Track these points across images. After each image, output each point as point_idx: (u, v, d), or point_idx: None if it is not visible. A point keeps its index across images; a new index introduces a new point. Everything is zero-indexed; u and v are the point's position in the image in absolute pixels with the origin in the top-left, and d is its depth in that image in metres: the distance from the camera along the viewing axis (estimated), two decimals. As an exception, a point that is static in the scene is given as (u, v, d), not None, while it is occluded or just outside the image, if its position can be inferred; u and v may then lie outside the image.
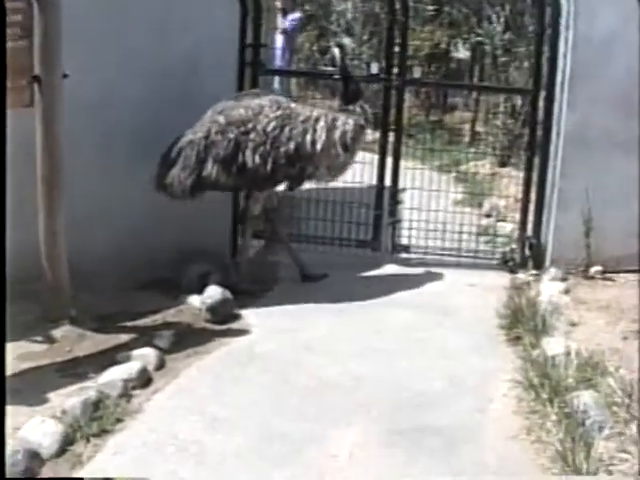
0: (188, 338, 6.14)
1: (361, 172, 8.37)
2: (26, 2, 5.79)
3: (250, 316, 6.70)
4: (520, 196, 8.33)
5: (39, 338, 5.95)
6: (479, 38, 14.60)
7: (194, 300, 6.76)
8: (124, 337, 6.06)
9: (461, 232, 8.51)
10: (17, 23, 5.77)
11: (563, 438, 4.56)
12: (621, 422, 4.73)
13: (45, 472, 4.35)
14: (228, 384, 5.45)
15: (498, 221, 9.50)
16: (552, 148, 7.89)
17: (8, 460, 4.19)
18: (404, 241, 8.46)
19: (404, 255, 8.38)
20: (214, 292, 6.64)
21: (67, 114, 6.05)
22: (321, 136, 7.09)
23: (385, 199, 8.35)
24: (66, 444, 4.54)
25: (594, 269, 7.67)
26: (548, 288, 7.29)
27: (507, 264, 8.12)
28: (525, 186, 8.21)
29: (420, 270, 8.05)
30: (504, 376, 5.61)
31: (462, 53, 17.71)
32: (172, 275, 7.14)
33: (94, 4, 6.74)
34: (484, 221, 9.53)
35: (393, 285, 7.50)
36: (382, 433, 4.86)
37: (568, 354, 5.56)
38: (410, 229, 8.50)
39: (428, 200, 8.61)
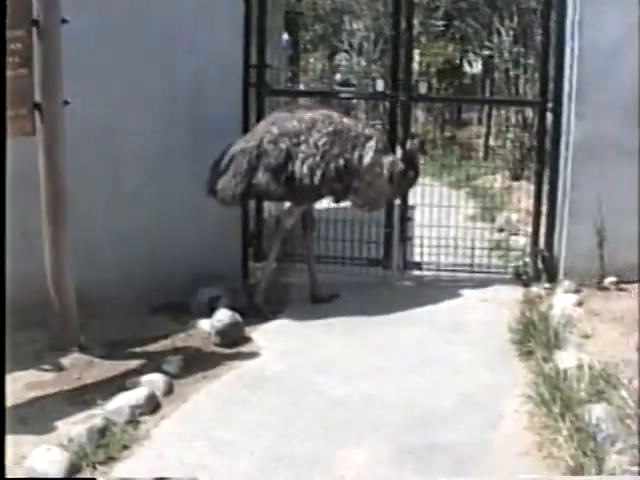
0: (197, 363, 6.08)
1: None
2: (25, 30, 5.72)
3: (260, 339, 6.64)
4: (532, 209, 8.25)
5: (47, 366, 5.91)
6: (489, 52, 14.52)
7: (204, 324, 6.71)
8: (133, 363, 6.02)
9: (473, 247, 8.41)
10: (16, 51, 5.71)
11: (575, 453, 4.48)
12: (634, 435, 4.62)
13: (50, 501, 4.32)
14: (237, 408, 5.40)
15: (511, 235, 9.40)
16: (562, 159, 7.79)
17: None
18: (416, 258, 8.38)
19: (416, 272, 8.31)
20: (223, 315, 6.57)
21: (72, 142, 6.02)
22: (368, 153, 7.18)
23: (395, 216, 8.27)
24: (72, 472, 4.49)
25: (608, 280, 7.53)
26: (561, 301, 7.19)
27: (520, 278, 8.01)
28: (536, 199, 8.10)
29: (432, 287, 7.99)
30: (515, 391, 5.53)
31: (474, 67, 17.68)
32: (182, 300, 7.11)
33: (96, 33, 6.74)
34: (497, 235, 9.40)
35: (404, 303, 7.42)
36: (391, 452, 4.80)
37: (580, 367, 5.48)
38: (422, 246, 8.43)
39: (440, 216, 8.55)
